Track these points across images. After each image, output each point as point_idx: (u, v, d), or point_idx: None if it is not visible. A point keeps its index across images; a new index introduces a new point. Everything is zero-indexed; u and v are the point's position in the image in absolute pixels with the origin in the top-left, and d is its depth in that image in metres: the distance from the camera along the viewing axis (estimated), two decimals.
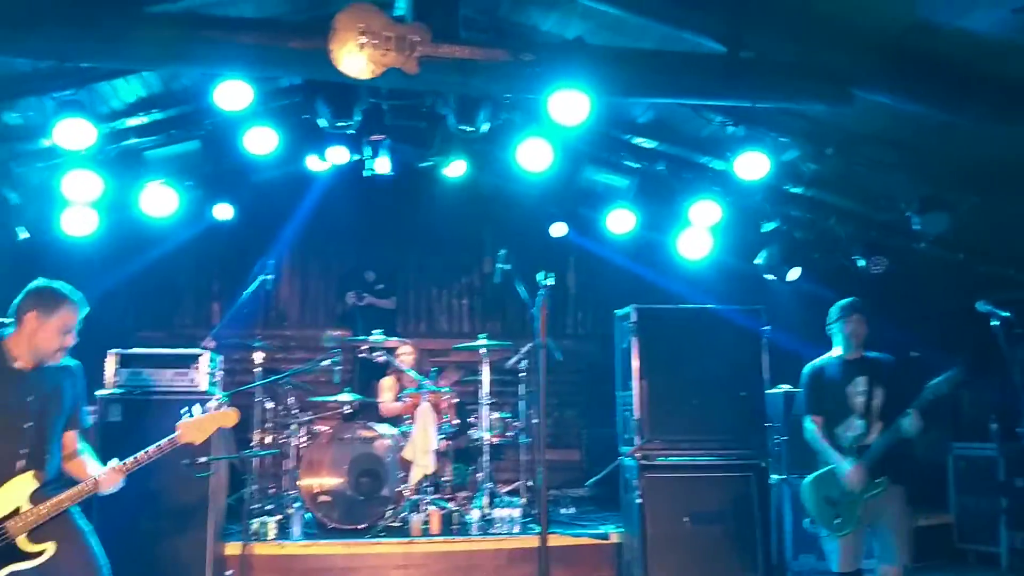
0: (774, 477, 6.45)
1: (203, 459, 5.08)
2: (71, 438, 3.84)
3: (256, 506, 6.43)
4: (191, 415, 3.86)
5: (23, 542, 3.50)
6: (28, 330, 3.62)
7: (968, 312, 4.82)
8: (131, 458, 3.74)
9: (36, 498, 3.54)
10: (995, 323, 4.43)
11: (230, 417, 3.95)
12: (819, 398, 4.97)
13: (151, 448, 3.77)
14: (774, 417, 6.64)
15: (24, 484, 3.54)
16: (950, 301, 7.46)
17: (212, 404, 3.95)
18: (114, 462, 3.72)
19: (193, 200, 7.11)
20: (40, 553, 3.51)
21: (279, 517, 6.37)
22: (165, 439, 3.80)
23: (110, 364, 5.75)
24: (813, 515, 4.89)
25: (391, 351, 7.40)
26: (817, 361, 5.07)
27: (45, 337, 3.64)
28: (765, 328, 6.29)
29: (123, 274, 7.65)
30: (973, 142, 5.61)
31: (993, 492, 7.20)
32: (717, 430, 6.10)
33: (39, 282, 3.73)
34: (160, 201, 6.60)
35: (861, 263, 6.97)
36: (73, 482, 3.69)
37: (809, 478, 4.91)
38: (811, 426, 4.97)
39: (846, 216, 7.21)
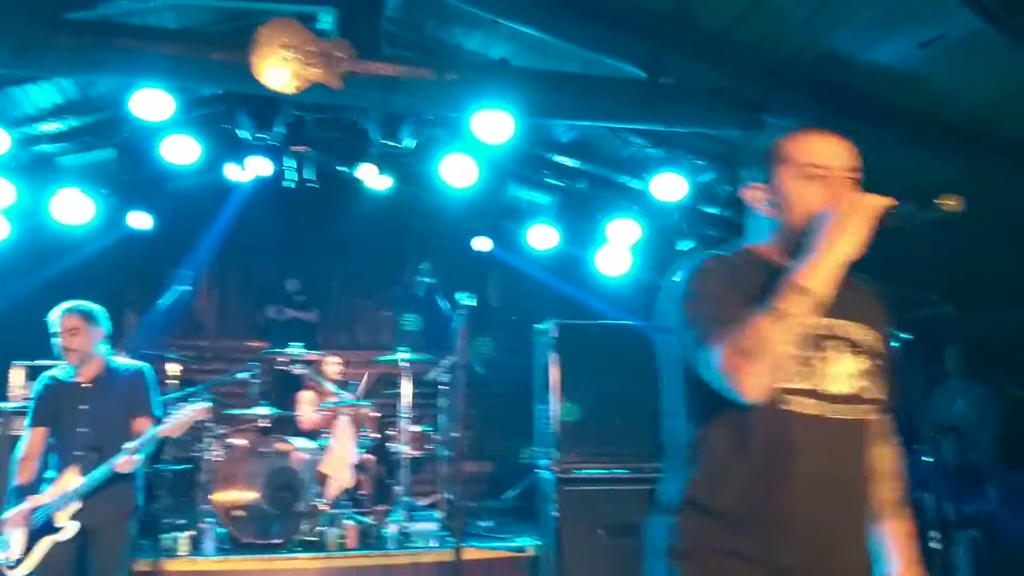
0: None
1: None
2: (139, 425, 4.51)
3: (167, 521, 6.31)
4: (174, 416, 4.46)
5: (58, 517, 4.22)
6: None
7: None
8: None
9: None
10: (894, 344, 4.63)
11: (201, 411, 4.60)
12: None
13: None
14: None
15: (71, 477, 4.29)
16: None
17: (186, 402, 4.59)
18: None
19: (109, 208, 6.96)
20: (66, 528, 4.21)
21: (191, 532, 6.25)
22: (149, 434, 4.37)
23: (16, 376, 5.59)
24: None
25: (312, 364, 7.34)
26: None
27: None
28: None
29: (34, 283, 7.41)
30: (880, 166, 5.83)
31: None
32: (633, 443, 6.21)
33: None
34: (74, 209, 6.44)
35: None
36: None
37: None
38: None
39: None
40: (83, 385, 4.48)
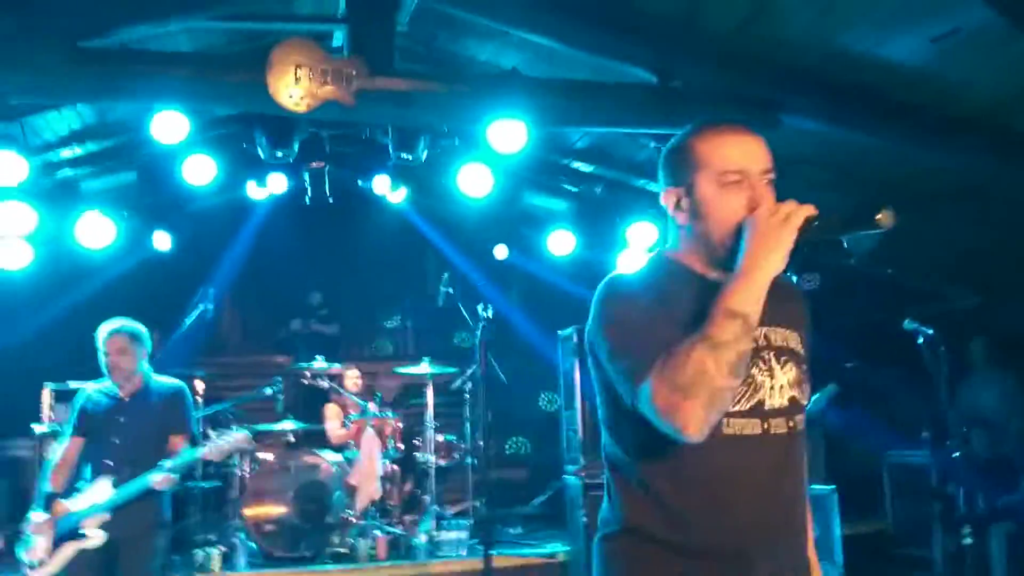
0: None
1: None
2: (176, 442, 4.55)
3: (199, 537, 6.37)
4: (216, 441, 4.52)
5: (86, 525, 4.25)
6: None
7: (898, 325, 4.99)
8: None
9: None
10: (920, 340, 4.59)
11: (244, 440, 4.60)
12: None
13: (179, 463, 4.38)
14: None
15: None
16: (882, 314, 7.70)
17: (232, 431, 4.61)
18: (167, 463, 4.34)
19: (130, 230, 7.04)
20: (92, 537, 4.22)
21: (223, 548, 6.31)
22: (190, 458, 4.45)
23: (45, 398, 5.67)
24: None
25: (335, 377, 7.39)
26: None
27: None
28: None
29: (59, 307, 7.52)
30: (899, 163, 5.81)
31: (926, 498, 7.43)
32: None
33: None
34: (96, 232, 6.51)
35: (794, 279, 7.15)
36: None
37: None
38: None
39: None
40: (123, 399, 4.56)
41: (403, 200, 7.48)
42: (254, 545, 6.39)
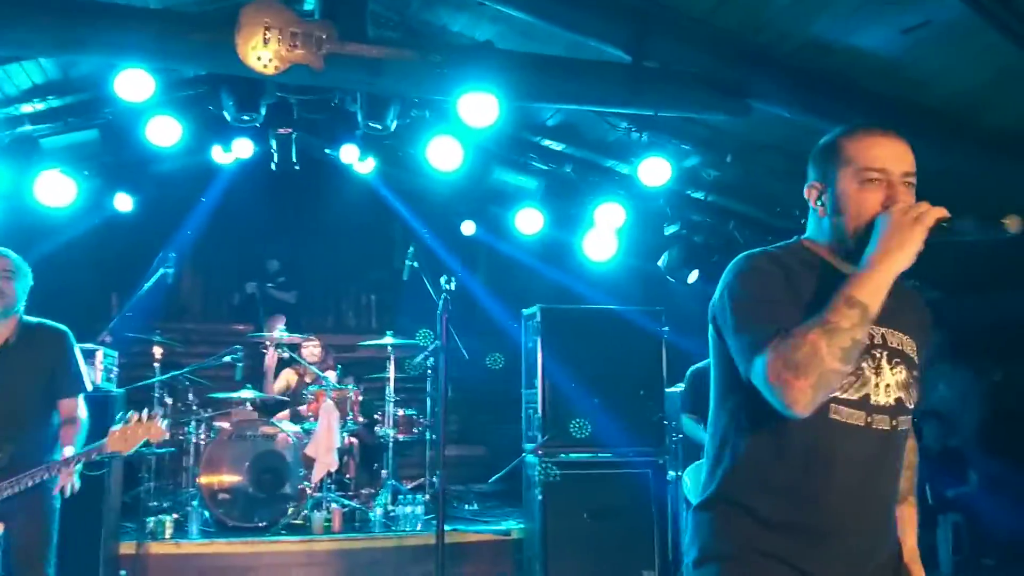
0: (671, 473, 6.63)
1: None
2: (65, 406, 3.79)
3: (153, 504, 6.31)
4: (125, 422, 3.58)
5: None
6: None
7: None
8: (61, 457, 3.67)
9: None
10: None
11: (157, 433, 3.65)
12: (696, 399, 5.46)
13: (79, 453, 3.63)
14: (672, 415, 6.82)
15: None
16: None
17: (144, 415, 3.63)
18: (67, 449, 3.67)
19: (92, 190, 6.90)
20: None
21: (176, 515, 6.26)
22: (91, 446, 3.61)
23: None
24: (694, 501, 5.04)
25: (295, 347, 7.34)
26: (701, 364, 5.32)
27: None
28: (664, 329, 6.46)
29: None
30: None
31: None
32: (617, 428, 6.23)
33: None
34: (57, 190, 6.36)
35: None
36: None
37: (692, 466, 5.30)
38: (688, 422, 5.69)
39: (745, 221, 7.45)
40: None
41: (371, 171, 7.40)
42: (208, 513, 6.34)
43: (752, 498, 1.98)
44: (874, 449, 1.96)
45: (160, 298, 7.14)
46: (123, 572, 5.54)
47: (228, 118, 6.11)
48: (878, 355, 1.98)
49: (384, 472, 7.00)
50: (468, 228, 8.33)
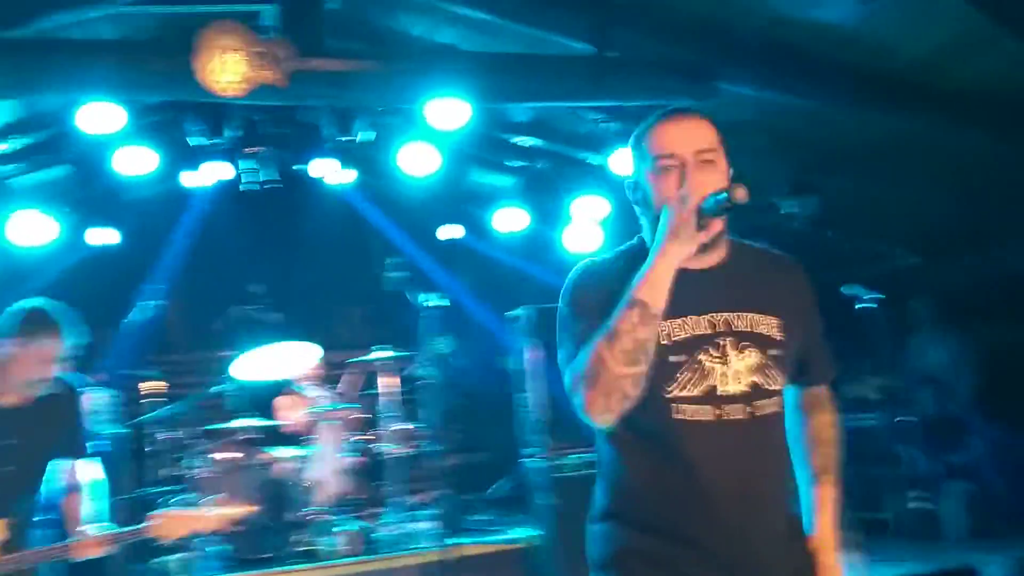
0: None
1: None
2: (68, 469, 3.47)
3: (156, 544, 6.22)
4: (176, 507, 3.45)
5: None
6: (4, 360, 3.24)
7: (841, 288, 5.00)
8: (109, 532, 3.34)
9: (6, 549, 3.18)
10: (861, 305, 4.57)
11: (210, 523, 3.47)
12: None
13: (125, 531, 3.39)
14: None
15: None
16: (825, 277, 7.76)
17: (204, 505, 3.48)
18: (97, 527, 3.32)
19: (70, 227, 6.84)
20: None
21: (182, 554, 6.16)
22: (136, 527, 3.36)
23: None
24: None
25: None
26: None
27: (21, 368, 3.24)
28: None
29: None
30: (837, 125, 5.85)
31: (876, 461, 7.52)
32: None
33: (19, 304, 3.33)
34: (33, 230, 6.29)
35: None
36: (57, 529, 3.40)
37: None
38: None
39: None
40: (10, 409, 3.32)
41: (346, 182, 7.36)
42: (214, 549, 6.25)
43: (629, 507, 1.97)
44: (733, 441, 1.88)
45: (146, 332, 7.07)
46: None
47: (194, 143, 6.07)
48: (722, 343, 1.91)
49: (388, 489, 6.91)
50: (450, 232, 8.29)
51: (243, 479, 6.37)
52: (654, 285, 1.80)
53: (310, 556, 6.25)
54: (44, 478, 3.41)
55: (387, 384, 6.98)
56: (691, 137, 1.94)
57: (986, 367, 7.43)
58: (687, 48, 5.05)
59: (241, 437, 6.90)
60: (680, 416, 1.88)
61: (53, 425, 3.40)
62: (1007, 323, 7.37)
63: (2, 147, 6.10)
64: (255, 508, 6.13)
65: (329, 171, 7.00)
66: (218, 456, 6.72)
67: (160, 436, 6.62)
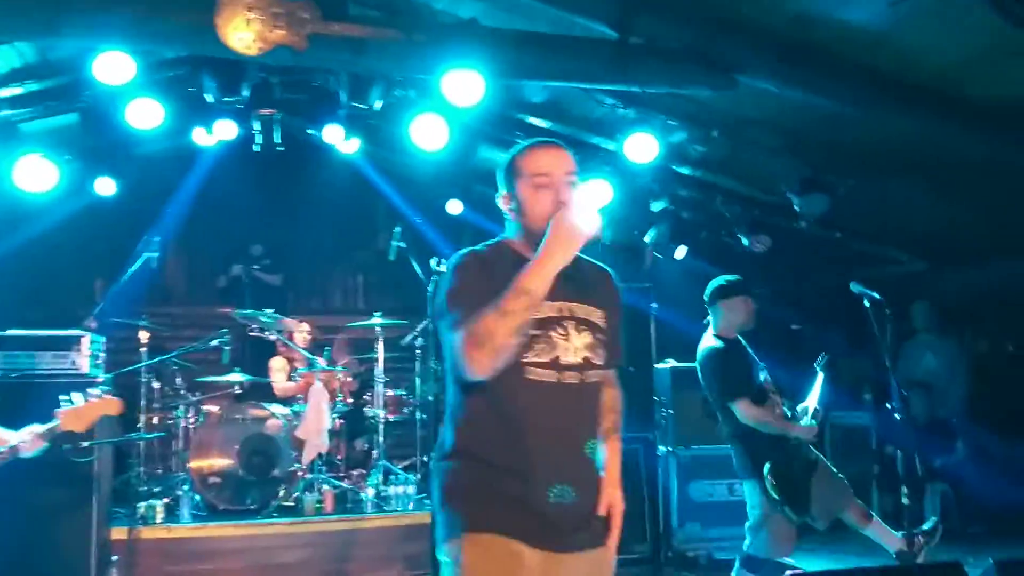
0: (661, 449, 6.67)
1: (85, 443, 4.86)
2: None
3: (143, 489, 6.29)
4: (71, 403, 3.63)
5: None
6: None
7: (845, 287, 5.01)
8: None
9: None
10: (866, 304, 4.60)
11: (113, 406, 3.75)
12: (743, 380, 4.75)
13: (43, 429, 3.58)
14: (661, 391, 6.85)
15: None
16: (829, 277, 7.81)
17: (95, 392, 3.73)
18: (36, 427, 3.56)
19: (73, 174, 6.81)
20: None
21: (167, 500, 6.24)
22: (44, 427, 3.58)
23: None
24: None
25: (283, 331, 7.30)
26: (712, 345, 4.90)
27: None
28: (653, 305, 6.46)
29: None
30: (851, 128, 5.85)
31: (866, 458, 7.61)
32: None
33: None
34: (37, 175, 6.27)
35: (745, 242, 7.23)
36: None
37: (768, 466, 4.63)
38: (752, 411, 4.68)
39: (731, 196, 7.44)
40: None
41: (355, 151, 7.34)
42: (199, 497, 6.33)
43: (478, 447, 2.43)
44: (567, 400, 2.43)
45: (145, 283, 7.07)
46: (115, 557, 5.52)
47: (210, 100, 6.04)
48: (567, 324, 2.45)
49: (374, 452, 6.99)
50: (455, 207, 8.29)
51: (232, 432, 6.44)
52: (542, 279, 2.29)
53: (293, 511, 6.34)
54: None
55: (382, 351, 7.04)
56: (562, 161, 2.48)
57: (978, 374, 7.50)
58: (710, 38, 5.02)
59: (232, 391, 6.99)
60: (531, 376, 2.39)
61: None
62: (994, 333, 7.43)
63: (16, 90, 6.05)
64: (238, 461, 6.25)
65: (338, 138, 6.98)
66: (208, 408, 6.80)
67: (152, 384, 6.67)
